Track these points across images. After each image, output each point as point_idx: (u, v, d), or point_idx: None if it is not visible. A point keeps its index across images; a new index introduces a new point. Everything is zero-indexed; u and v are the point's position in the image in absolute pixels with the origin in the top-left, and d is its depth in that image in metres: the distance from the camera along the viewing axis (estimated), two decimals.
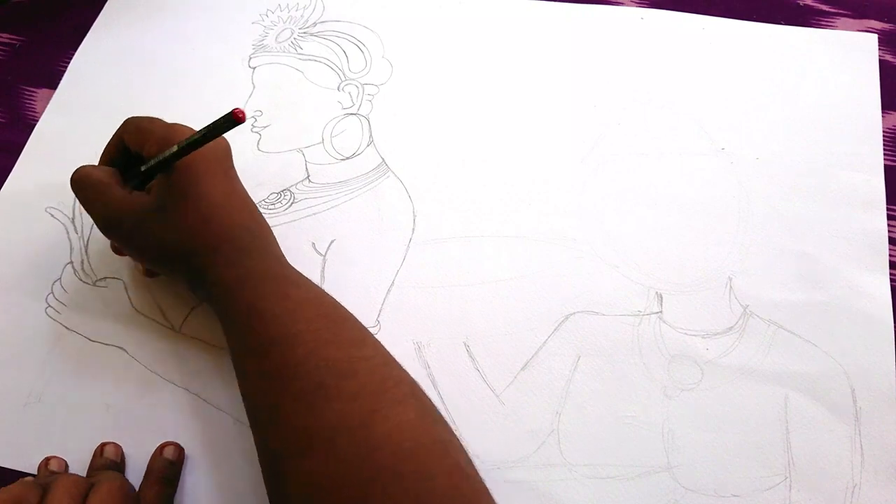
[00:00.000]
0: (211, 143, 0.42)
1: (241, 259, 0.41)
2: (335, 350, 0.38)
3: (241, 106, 0.56)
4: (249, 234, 0.42)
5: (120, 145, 0.45)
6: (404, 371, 0.39)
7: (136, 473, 0.43)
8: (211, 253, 0.41)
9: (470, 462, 0.36)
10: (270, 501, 0.37)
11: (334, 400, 0.35)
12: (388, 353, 0.39)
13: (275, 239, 0.45)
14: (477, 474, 0.36)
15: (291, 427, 0.36)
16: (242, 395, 0.40)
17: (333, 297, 0.42)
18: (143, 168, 0.43)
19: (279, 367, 0.37)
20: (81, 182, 0.44)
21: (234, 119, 0.37)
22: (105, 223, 0.44)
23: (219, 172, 0.43)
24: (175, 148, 0.40)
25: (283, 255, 0.44)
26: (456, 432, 0.43)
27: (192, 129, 0.43)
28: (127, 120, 0.45)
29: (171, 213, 0.41)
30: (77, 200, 0.52)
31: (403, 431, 0.35)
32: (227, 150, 0.44)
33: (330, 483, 0.34)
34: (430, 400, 0.38)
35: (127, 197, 0.43)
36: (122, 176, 0.45)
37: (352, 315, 0.41)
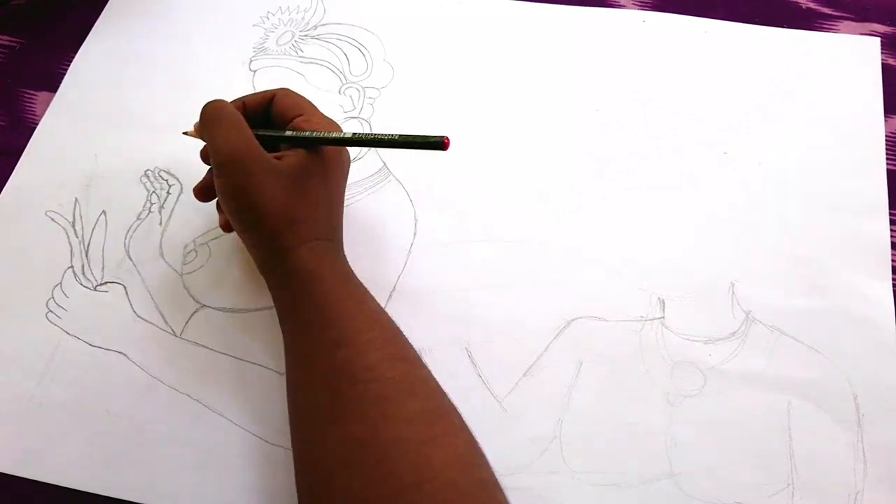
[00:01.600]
0: (345, 152, 0.45)
1: (327, 254, 0.41)
2: (402, 364, 0.37)
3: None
4: (340, 237, 0.44)
5: (266, 106, 0.44)
6: (450, 399, 0.38)
7: (135, 481, 0.43)
8: (304, 239, 0.41)
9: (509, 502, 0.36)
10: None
11: (393, 417, 0.35)
12: (435, 378, 0.39)
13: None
14: None
15: (348, 435, 0.35)
16: (295, 391, 0.39)
17: None
18: (309, 135, 0.42)
19: (348, 368, 0.36)
20: (218, 114, 0.42)
21: (439, 145, 0.37)
22: (228, 159, 0.40)
23: (342, 178, 0.45)
24: (363, 136, 0.41)
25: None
26: None
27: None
28: (285, 89, 0.45)
29: (296, 183, 0.41)
30: (77, 199, 0.52)
31: (457, 466, 0.34)
32: (349, 164, 0.46)
33: (379, 501, 0.33)
34: (473, 434, 0.37)
35: (261, 148, 0.41)
36: None
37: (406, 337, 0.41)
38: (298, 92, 0.55)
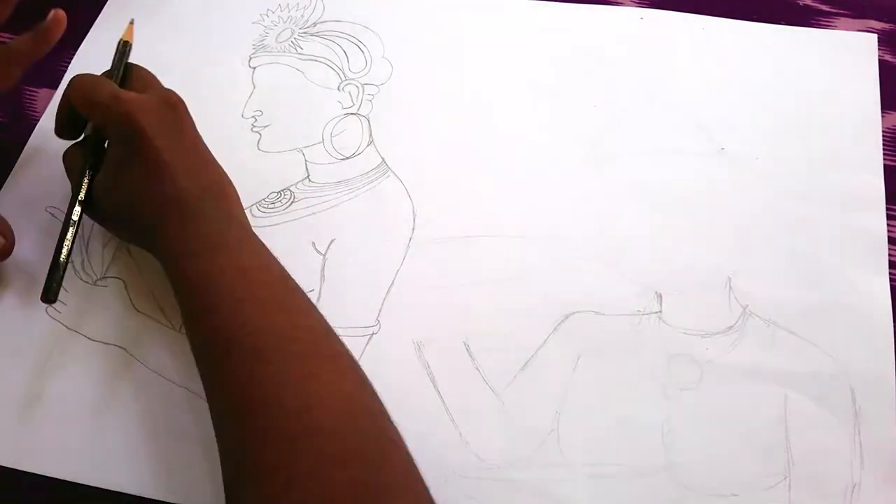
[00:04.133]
0: (162, 101, 0.44)
1: (189, 224, 0.41)
2: (279, 316, 0.38)
3: (241, 106, 0.56)
4: (201, 196, 0.42)
5: (68, 109, 0.45)
6: (345, 346, 0.39)
7: (134, 475, 0.43)
8: (159, 217, 0.41)
9: (402, 439, 0.36)
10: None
11: (272, 362, 0.36)
12: (331, 327, 0.39)
13: (235, 196, 0.45)
14: (406, 449, 0.36)
15: (230, 394, 0.36)
16: (196, 362, 0.40)
17: (288, 271, 0.42)
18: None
19: (220, 334, 0.37)
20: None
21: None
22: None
23: (167, 130, 0.43)
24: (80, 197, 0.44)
25: (240, 216, 0.44)
26: (455, 431, 0.43)
27: (138, 96, 0.44)
28: (73, 79, 0.45)
29: (119, 175, 0.42)
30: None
31: (341, 397, 0.35)
32: (175, 106, 0.44)
33: (265, 437, 0.34)
34: (367, 377, 0.38)
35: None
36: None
37: (299, 286, 0.41)
38: (297, 89, 0.56)
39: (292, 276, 0.41)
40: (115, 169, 0.43)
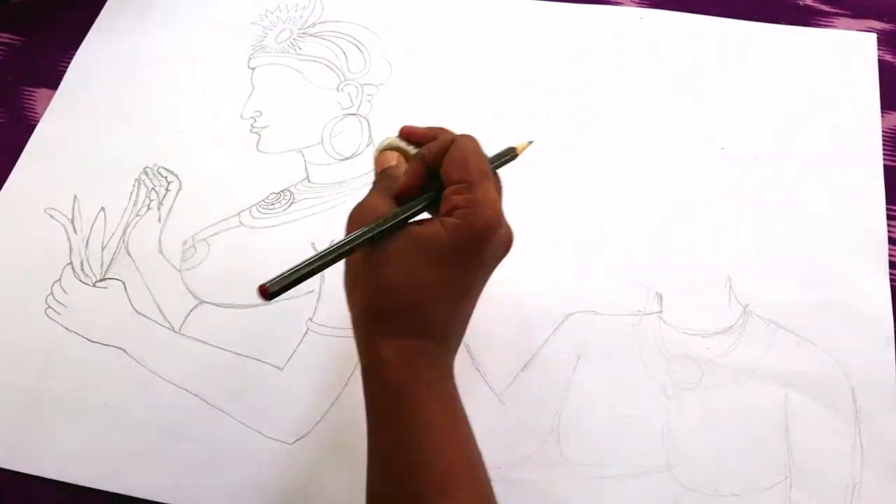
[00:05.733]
0: (508, 237, 0.38)
1: (418, 360, 0.34)
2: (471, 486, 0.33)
3: (240, 107, 0.56)
4: (452, 338, 0.37)
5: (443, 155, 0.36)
6: None
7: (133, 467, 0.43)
8: (395, 334, 0.34)
9: None
10: None
11: None
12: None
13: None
14: None
15: None
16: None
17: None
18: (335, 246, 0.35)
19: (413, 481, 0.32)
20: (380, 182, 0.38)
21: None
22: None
23: (490, 263, 0.37)
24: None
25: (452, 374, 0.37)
26: None
27: (503, 215, 0.37)
28: (464, 139, 0.36)
29: (419, 262, 0.34)
30: (76, 196, 0.52)
31: None
32: (507, 250, 0.38)
33: None
34: None
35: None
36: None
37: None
38: (296, 90, 0.56)
39: None
40: (422, 246, 0.34)
